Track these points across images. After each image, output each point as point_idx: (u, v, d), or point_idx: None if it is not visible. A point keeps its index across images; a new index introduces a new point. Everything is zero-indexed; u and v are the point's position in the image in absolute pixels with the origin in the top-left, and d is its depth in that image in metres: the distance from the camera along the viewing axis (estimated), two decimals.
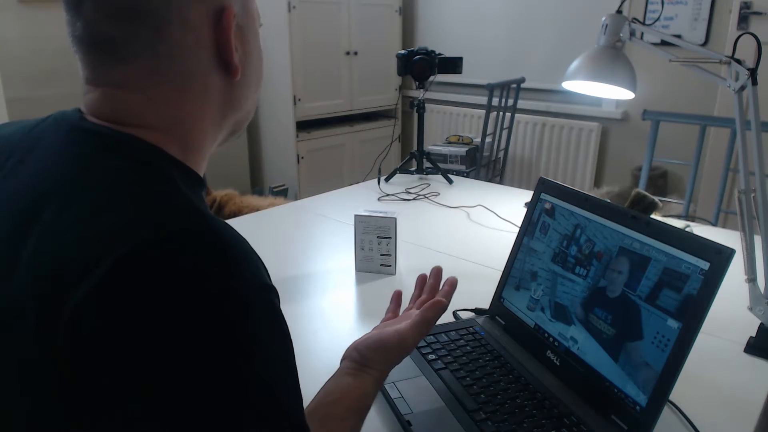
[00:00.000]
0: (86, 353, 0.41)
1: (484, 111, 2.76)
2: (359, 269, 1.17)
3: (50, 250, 0.44)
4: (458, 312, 0.99)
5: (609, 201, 0.84)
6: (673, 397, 0.68)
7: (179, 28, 0.50)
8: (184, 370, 0.41)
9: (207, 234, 0.44)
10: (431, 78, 1.87)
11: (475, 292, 1.07)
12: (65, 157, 0.49)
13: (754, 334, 0.91)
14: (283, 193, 3.32)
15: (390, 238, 1.13)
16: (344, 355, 0.73)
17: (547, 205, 0.90)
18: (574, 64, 1.15)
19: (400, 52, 1.87)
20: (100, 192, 0.46)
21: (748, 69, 0.88)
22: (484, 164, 2.94)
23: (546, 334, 0.83)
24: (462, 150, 2.90)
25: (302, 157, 3.37)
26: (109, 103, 0.51)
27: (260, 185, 3.64)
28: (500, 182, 3.16)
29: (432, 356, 0.83)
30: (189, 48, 0.52)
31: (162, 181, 0.49)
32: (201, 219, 0.45)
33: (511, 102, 2.93)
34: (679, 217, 1.85)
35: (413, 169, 1.90)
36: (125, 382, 0.41)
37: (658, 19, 1.61)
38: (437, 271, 0.86)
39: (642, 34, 1.09)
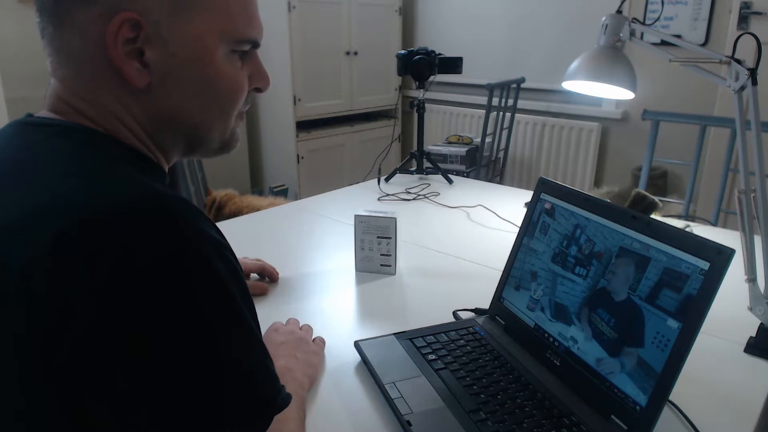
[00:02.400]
0: (44, 330, 0.42)
1: (484, 111, 2.76)
2: (359, 269, 1.17)
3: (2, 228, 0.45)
4: (458, 312, 0.99)
5: (609, 201, 0.84)
6: (673, 397, 0.68)
7: (69, 28, 0.52)
8: (156, 336, 0.43)
9: (154, 204, 0.46)
10: (431, 78, 1.87)
11: (475, 292, 1.07)
12: (10, 147, 0.52)
13: (754, 334, 0.91)
14: (283, 193, 3.32)
15: (390, 238, 1.13)
16: None
17: (547, 205, 0.90)
18: (574, 64, 1.15)
19: (400, 52, 1.87)
20: (47, 171, 0.48)
21: (748, 69, 0.88)
22: (484, 164, 2.94)
23: (546, 334, 0.83)
24: (462, 150, 2.90)
25: (302, 157, 3.37)
26: (54, 93, 0.55)
27: (260, 185, 3.64)
28: (500, 182, 3.16)
29: (432, 356, 0.83)
30: (77, 49, 0.52)
31: (108, 159, 0.51)
32: (148, 190, 0.47)
33: (511, 102, 2.93)
34: (679, 217, 1.85)
35: (413, 169, 1.90)
36: (93, 357, 0.42)
37: (658, 19, 1.61)
38: None
39: (642, 34, 1.09)
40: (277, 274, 1.11)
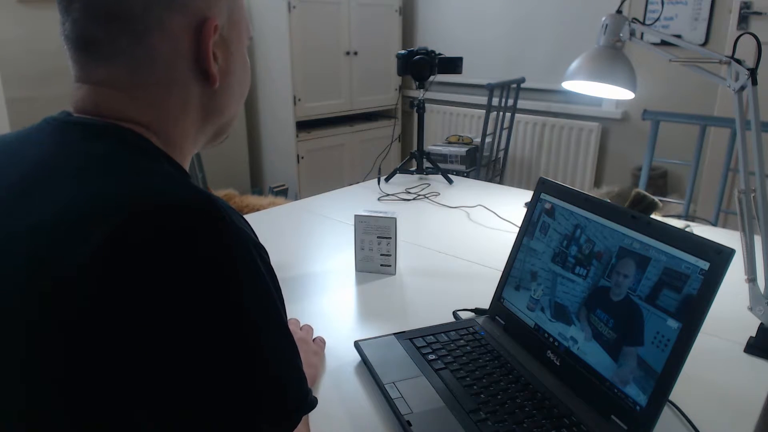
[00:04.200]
0: (85, 325, 0.42)
1: (484, 111, 2.76)
2: (359, 269, 1.17)
3: (43, 225, 0.45)
4: (458, 312, 0.99)
5: (609, 201, 0.84)
6: (673, 397, 0.68)
7: (158, 36, 0.52)
8: (187, 337, 0.43)
9: (199, 203, 0.47)
10: (431, 78, 1.87)
11: (475, 292, 1.07)
12: (50, 146, 0.51)
13: (754, 334, 0.91)
14: (283, 193, 3.32)
15: (390, 238, 1.13)
16: None
17: (547, 205, 0.90)
18: (574, 64, 1.15)
19: (400, 52, 1.87)
20: (89, 169, 0.48)
21: (748, 69, 0.88)
22: (484, 164, 2.94)
23: (546, 334, 0.83)
24: (462, 150, 2.90)
25: (302, 157, 3.37)
26: (93, 98, 0.54)
27: (260, 185, 3.64)
28: (500, 182, 3.16)
29: (432, 356, 0.83)
30: (166, 56, 0.53)
31: (149, 160, 0.51)
32: (193, 190, 0.48)
33: (511, 102, 2.93)
34: (679, 217, 1.85)
35: (413, 169, 1.90)
36: (130, 350, 0.42)
37: (658, 19, 1.61)
38: None
39: (642, 34, 1.09)
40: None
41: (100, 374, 0.42)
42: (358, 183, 1.86)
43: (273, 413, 0.49)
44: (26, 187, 0.48)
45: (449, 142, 3.09)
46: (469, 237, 1.38)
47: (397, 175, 1.87)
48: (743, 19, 2.37)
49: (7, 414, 0.45)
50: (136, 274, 0.42)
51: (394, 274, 1.15)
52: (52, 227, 0.45)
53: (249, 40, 0.64)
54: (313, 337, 0.89)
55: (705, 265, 0.64)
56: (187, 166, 0.60)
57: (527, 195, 1.70)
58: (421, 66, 1.84)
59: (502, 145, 3.07)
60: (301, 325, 0.92)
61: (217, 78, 0.57)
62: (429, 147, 3.01)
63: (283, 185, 3.39)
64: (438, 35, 3.76)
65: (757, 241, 0.90)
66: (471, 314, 0.98)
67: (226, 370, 0.45)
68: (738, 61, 0.89)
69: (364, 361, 0.83)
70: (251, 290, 0.47)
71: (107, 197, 0.45)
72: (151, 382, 0.42)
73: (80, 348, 0.42)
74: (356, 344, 0.86)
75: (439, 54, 1.87)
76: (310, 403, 0.54)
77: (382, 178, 1.82)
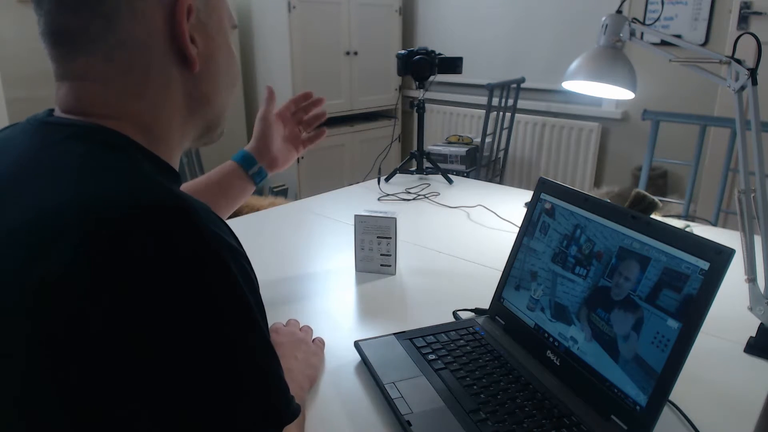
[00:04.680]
0: (62, 332, 0.41)
1: (484, 111, 2.76)
2: (359, 269, 1.17)
3: (21, 229, 0.45)
4: (458, 312, 0.99)
5: (609, 201, 0.84)
6: (673, 397, 0.68)
7: (128, 17, 0.51)
8: (171, 340, 0.43)
9: (171, 205, 0.46)
10: (431, 78, 1.87)
11: (475, 292, 1.07)
12: (31, 147, 0.51)
13: (754, 334, 0.91)
14: (283, 193, 3.32)
15: (390, 238, 1.13)
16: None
17: (547, 205, 0.90)
18: (574, 64, 1.15)
19: (400, 52, 1.87)
20: (65, 172, 0.47)
21: (748, 69, 0.88)
22: (484, 164, 2.94)
23: (546, 334, 0.83)
24: (462, 150, 2.90)
25: (302, 157, 3.37)
26: (74, 94, 0.53)
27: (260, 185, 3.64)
28: (500, 182, 3.16)
29: (432, 356, 0.83)
30: (139, 38, 0.52)
31: (127, 160, 0.50)
32: (166, 192, 0.47)
33: (511, 102, 2.93)
34: (679, 217, 1.85)
35: (413, 169, 1.90)
36: (109, 355, 0.41)
37: (658, 19, 1.61)
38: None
39: (642, 34, 1.09)
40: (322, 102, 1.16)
41: (87, 374, 0.42)
42: (358, 183, 1.86)
43: (256, 415, 0.48)
44: (2, 190, 0.48)
45: (449, 142, 3.09)
46: (469, 237, 1.38)
47: (397, 175, 1.87)
48: (743, 19, 2.37)
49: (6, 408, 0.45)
50: (110, 278, 0.41)
51: (394, 274, 1.15)
52: (26, 234, 0.44)
53: (233, 28, 0.63)
54: (313, 337, 0.89)
55: (705, 265, 0.64)
56: (175, 163, 0.59)
57: (527, 195, 1.70)
58: (421, 66, 1.84)
59: (502, 145, 3.07)
60: (301, 325, 0.92)
61: (197, 61, 0.56)
62: (429, 147, 3.01)
63: (283, 185, 3.39)
64: (438, 35, 3.76)
65: (757, 241, 0.90)
66: (471, 314, 0.98)
67: (203, 373, 0.44)
68: (738, 61, 0.89)
69: (364, 361, 0.83)
70: (222, 293, 0.46)
71: (80, 202, 0.45)
72: (134, 380, 0.42)
73: (64, 354, 0.42)
74: (356, 344, 0.86)
75: (439, 54, 1.87)
76: (294, 410, 0.52)
77: (382, 178, 1.82)
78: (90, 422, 0.42)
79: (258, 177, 1.02)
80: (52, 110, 0.55)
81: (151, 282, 0.42)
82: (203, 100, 0.60)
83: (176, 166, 0.59)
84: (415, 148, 1.91)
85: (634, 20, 1.08)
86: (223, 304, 0.46)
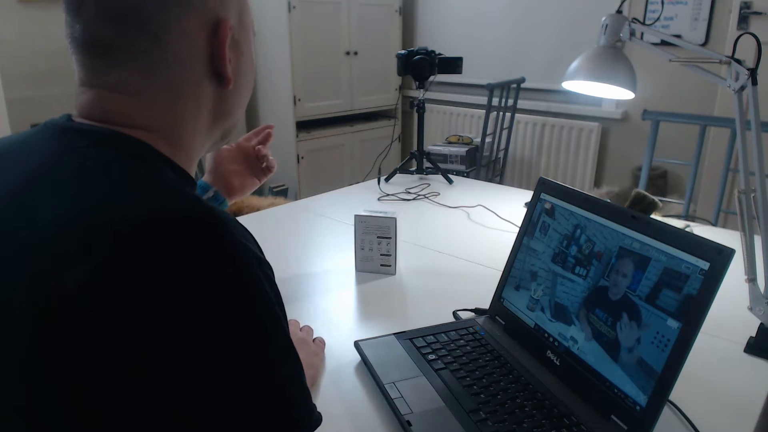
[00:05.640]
0: (86, 337, 0.41)
1: (484, 111, 2.76)
2: (359, 269, 1.17)
3: (44, 234, 0.44)
4: (458, 312, 0.99)
5: (609, 201, 0.84)
6: (673, 397, 0.68)
7: (176, 36, 0.52)
8: (191, 350, 0.42)
9: (200, 215, 0.46)
10: (431, 78, 1.87)
11: (475, 292, 1.07)
12: (51, 153, 0.50)
13: (754, 334, 0.91)
14: (283, 193, 3.32)
15: (390, 238, 1.13)
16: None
17: (547, 205, 0.90)
18: (574, 64, 1.15)
19: (400, 52, 1.87)
20: (90, 178, 0.47)
21: (748, 69, 0.88)
22: (484, 164, 2.94)
23: (546, 334, 0.83)
24: (462, 150, 2.90)
25: (302, 157, 3.37)
26: (101, 104, 0.52)
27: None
28: (500, 182, 3.17)
29: (432, 356, 0.83)
30: (184, 56, 0.53)
31: (151, 169, 0.50)
32: (194, 201, 0.47)
33: (511, 102, 2.93)
34: (679, 217, 1.85)
35: (413, 169, 1.90)
36: (131, 364, 0.41)
37: (658, 19, 1.61)
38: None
39: (642, 34, 1.09)
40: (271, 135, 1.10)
41: (102, 386, 0.41)
42: (358, 183, 1.86)
43: (278, 426, 0.47)
44: (26, 195, 0.47)
45: (449, 142, 3.09)
46: (469, 237, 1.38)
47: (397, 175, 1.87)
48: (743, 19, 2.37)
49: (8, 415, 0.45)
50: (136, 287, 0.41)
51: (394, 274, 1.15)
52: (51, 240, 0.43)
53: (253, 36, 0.64)
54: (313, 337, 0.89)
55: (705, 265, 0.64)
56: (193, 171, 0.59)
57: (527, 195, 1.70)
58: (421, 66, 1.84)
59: (502, 145, 3.07)
60: (301, 325, 0.92)
61: (232, 80, 0.57)
62: (429, 147, 3.01)
63: (283, 185, 3.39)
64: (438, 35, 3.76)
65: (757, 241, 0.90)
66: (471, 314, 0.98)
67: (227, 383, 0.44)
68: (738, 61, 0.89)
69: (364, 361, 0.83)
70: (251, 303, 0.46)
71: (106, 209, 0.44)
72: (153, 395, 0.42)
73: (83, 362, 0.41)
74: (356, 344, 0.86)
75: (439, 54, 1.87)
76: (316, 419, 0.52)
77: (382, 178, 1.82)
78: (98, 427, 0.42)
79: (215, 201, 0.99)
80: (70, 115, 0.54)
81: (181, 288, 0.42)
82: (227, 114, 0.61)
83: (193, 174, 0.59)
84: (415, 148, 1.91)
85: (634, 20, 1.08)
86: (251, 314, 0.46)
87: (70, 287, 0.41)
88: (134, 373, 0.41)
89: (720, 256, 0.63)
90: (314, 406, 0.53)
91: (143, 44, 0.51)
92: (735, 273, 0.72)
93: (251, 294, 0.46)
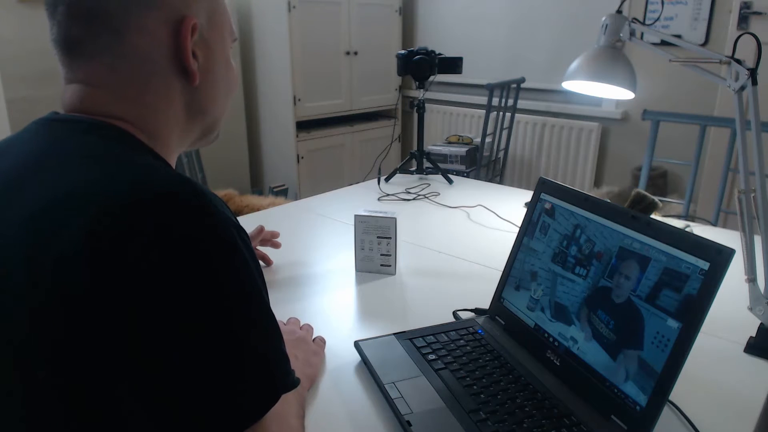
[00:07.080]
0: (79, 302, 0.44)
1: (484, 111, 2.76)
2: (359, 269, 1.17)
3: (34, 217, 0.48)
4: (458, 312, 0.99)
5: (609, 201, 0.84)
6: (673, 397, 0.68)
7: (136, 32, 0.56)
8: (176, 310, 0.45)
9: (182, 187, 0.50)
10: (431, 78, 1.87)
11: (475, 292, 1.07)
12: (39, 142, 0.55)
13: (754, 334, 0.91)
14: (283, 193, 3.32)
15: (390, 238, 1.13)
16: None
17: (547, 205, 0.90)
18: (574, 64, 1.15)
19: (400, 52, 1.87)
20: (78, 159, 0.51)
21: (748, 69, 0.88)
22: (484, 164, 2.94)
23: (546, 334, 0.83)
24: (462, 150, 2.90)
25: (302, 157, 3.37)
26: (79, 97, 0.57)
27: (260, 185, 3.64)
28: (500, 182, 3.17)
29: (432, 356, 0.83)
30: (144, 51, 0.57)
31: (135, 151, 0.55)
32: (176, 176, 0.51)
33: (511, 102, 2.93)
34: (679, 217, 1.85)
35: (413, 169, 1.90)
36: (119, 326, 0.44)
37: (658, 19, 1.61)
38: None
39: (642, 34, 1.09)
40: (279, 244, 1.21)
41: (90, 352, 0.44)
42: (358, 183, 1.86)
43: (255, 384, 0.50)
44: (19, 181, 0.51)
45: (449, 142, 3.09)
46: (469, 237, 1.38)
47: (397, 175, 1.87)
48: (743, 19, 2.37)
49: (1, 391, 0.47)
50: (125, 253, 0.44)
51: (394, 274, 1.15)
52: (44, 218, 0.47)
53: (233, 41, 0.67)
54: (313, 336, 0.89)
55: (705, 265, 0.64)
56: (173, 163, 0.62)
57: (527, 195, 1.70)
58: (421, 66, 1.84)
59: (502, 145, 3.07)
60: (301, 324, 0.92)
61: (197, 75, 0.60)
62: (429, 147, 3.01)
63: (283, 185, 3.39)
64: (438, 35, 3.76)
65: (757, 241, 0.90)
66: (471, 314, 0.98)
67: (208, 341, 0.47)
68: (738, 61, 0.89)
69: (364, 361, 0.83)
70: (234, 268, 0.49)
71: (95, 183, 0.48)
72: (136, 357, 0.45)
73: (75, 329, 0.44)
74: (356, 344, 0.86)
75: (439, 54, 1.87)
76: (293, 381, 0.55)
77: (382, 178, 1.82)
78: (86, 393, 0.45)
79: None
80: (56, 112, 0.58)
81: (165, 257, 0.45)
82: (201, 109, 0.64)
83: (174, 166, 0.62)
84: (415, 148, 1.91)
85: (634, 20, 1.08)
86: (233, 277, 0.49)
87: (66, 250, 0.45)
88: (120, 337, 0.44)
89: (720, 256, 0.63)
90: (293, 371, 0.56)
91: (106, 40, 0.55)
92: (735, 273, 0.72)
93: (232, 258, 0.50)
